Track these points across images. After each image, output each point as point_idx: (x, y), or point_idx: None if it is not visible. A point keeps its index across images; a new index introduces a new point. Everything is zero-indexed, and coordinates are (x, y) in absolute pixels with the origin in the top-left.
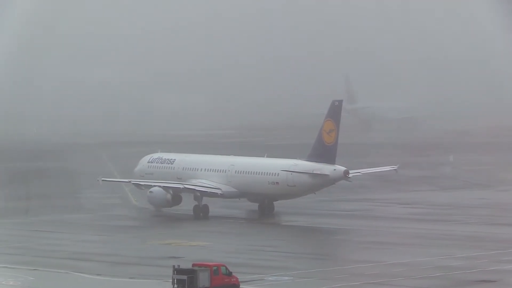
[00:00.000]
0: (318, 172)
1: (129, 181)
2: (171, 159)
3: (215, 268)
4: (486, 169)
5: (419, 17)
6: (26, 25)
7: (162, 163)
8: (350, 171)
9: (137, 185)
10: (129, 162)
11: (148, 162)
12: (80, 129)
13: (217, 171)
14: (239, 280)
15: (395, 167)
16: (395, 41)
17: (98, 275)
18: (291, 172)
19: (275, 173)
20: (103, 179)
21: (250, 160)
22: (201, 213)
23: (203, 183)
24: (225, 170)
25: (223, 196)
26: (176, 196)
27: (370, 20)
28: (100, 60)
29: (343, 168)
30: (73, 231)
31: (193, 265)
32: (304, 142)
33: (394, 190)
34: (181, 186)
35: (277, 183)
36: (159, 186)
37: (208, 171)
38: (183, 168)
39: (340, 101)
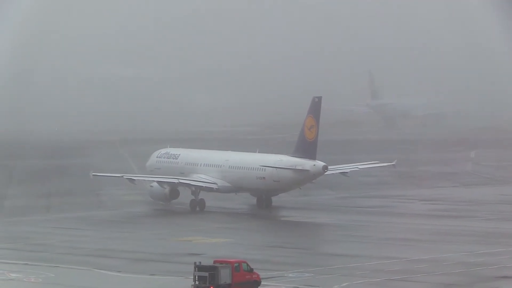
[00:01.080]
0: (300, 168)
1: (122, 176)
2: (176, 154)
3: (236, 264)
4: (508, 165)
5: (443, 12)
6: (42, 21)
7: (168, 158)
8: (349, 166)
9: (130, 180)
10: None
11: (157, 157)
12: (102, 126)
13: (214, 166)
14: (260, 276)
15: (393, 162)
16: (419, 37)
17: (119, 272)
18: (275, 168)
19: (262, 168)
20: (93, 173)
21: (242, 156)
22: (197, 207)
23: (201, 178)
24: (221, 165)
25: (218, 190)
26: (174, 190)
27: (393, 16)
28: (122, 58)
29: (322, 164)
30: (94, 228)
31: (215, 261)
32: (326, 138)
33: (415, 186)
34: (176, 181)
35: (263, 178)
36: (156, 181)
37: (206, 166)
38: (186, 163)
39: (320, 98)
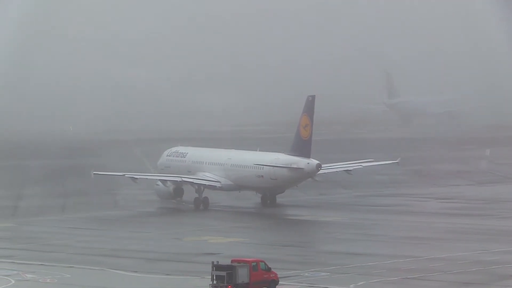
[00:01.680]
0: (295, 166)
1: (123, 175)
2: (185, 153)
3: (254, 264)
4: None
5: (454, 10)
6: (42, 21)
7: (177, 157)
8: (353, 163)
9: (132, 179)
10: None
11: (167, 155)
12: (116, 126)
13: (218, 165)
14: (278, 276)
15: (397, 160)
16: (432, 36)
17: (134, 272)
18: (272, 166)
19: (261, 167)
20: (94, 172)
21: (244, 154)
22: (201, 205)
23: (205, 176)
24: (224, 164)
25: (221, 188)
26: (178, 188)
27: (403, 16)
28: (125, 58)
29: (316, 162)
30: (109, 228)
31: (232, 261)
32: (337, 138)
33: (431, 184)
34: (179, 179)
35: (262, 176)
36: (159, 179)
37: (211, 164)
38: (193, 161)
39: (313, 96)
